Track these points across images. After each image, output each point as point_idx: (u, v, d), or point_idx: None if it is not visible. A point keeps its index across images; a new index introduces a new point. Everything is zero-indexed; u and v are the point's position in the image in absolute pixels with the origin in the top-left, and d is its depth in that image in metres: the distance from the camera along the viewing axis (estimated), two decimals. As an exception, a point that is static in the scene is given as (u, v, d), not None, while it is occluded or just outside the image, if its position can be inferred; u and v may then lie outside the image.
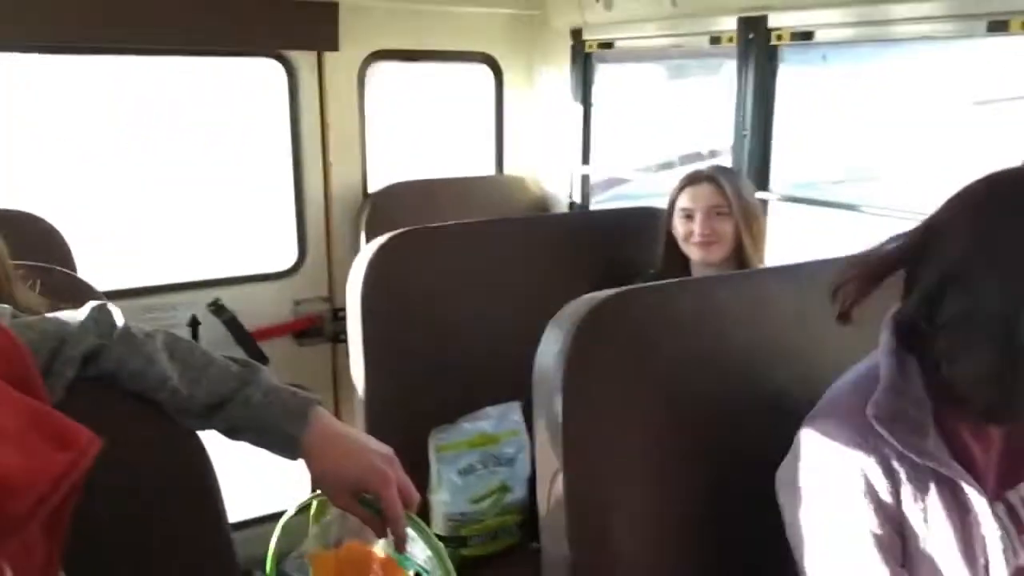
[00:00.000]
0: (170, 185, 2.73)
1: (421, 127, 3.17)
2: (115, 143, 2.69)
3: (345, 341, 2.14)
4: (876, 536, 1.06)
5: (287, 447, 1.02)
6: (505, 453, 2.05)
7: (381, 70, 2.92)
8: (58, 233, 2.23)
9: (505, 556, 2.05)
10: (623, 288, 1.37)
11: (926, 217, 1.08)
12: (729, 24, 2.27)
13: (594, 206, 3.09)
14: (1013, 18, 1.66)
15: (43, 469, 0.82)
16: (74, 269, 2.23)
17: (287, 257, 2.85)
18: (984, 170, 1.10)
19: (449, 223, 2.16)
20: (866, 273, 1.12)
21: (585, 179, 3.02)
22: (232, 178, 2.86)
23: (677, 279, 1.66)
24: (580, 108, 2.95)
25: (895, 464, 1.05)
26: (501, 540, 2.04)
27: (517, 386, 2.03)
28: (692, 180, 2.06)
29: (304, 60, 2.74)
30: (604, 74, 3.03)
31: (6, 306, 1.00)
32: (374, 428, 2.02)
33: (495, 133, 3.18)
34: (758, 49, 2.20)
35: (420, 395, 2.02)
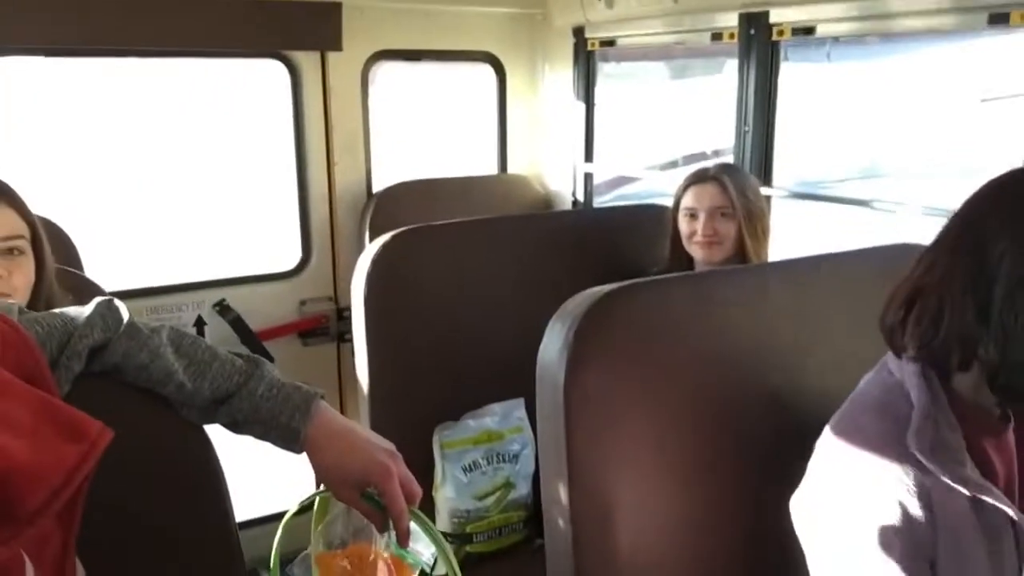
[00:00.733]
0: (176, 186, 2.74)
1: (424, 126, 3.18)
2: (120, 145, 2.70)
3: (350, 340, 2.15)
4: (908, 570, 1.02)
5: (290, 441, 1.03)
6: (509, 450, 2.05)
7: (384, 70, 2.93)
8: (65, 235, 2.24)
9: (510, 553, 2.05)
10: (625, 283, 1.38)
11: (945, 237, 1.09)
12: (730, 20, 2.27)
13: (599, 205, 3.10)
14: (1014, 11, 1.66)
15: (55, 462, 0.83)
16: (82, 271, 2.25)
17: (292, 257, 2.86)
18: (989, 167, 1.12)
19: (452, 221, 2.16)
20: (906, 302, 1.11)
21: (588, 177, 3.02)
22: (237, 179, 2.87)
23: (678, 273, 1.66)
24: (583, 106, 2.96)
25: (933, 495, 1.02)
26: (506, 537, 2.04)
27: (521, 383, 2.03)
28: (697, 179, 2.06)
29: (307, 60, 2.75)
30: (607, 73, 3.04)
31: (13, 302, 1.01)
32: (379, 425, 2.03)
33: (498, 132, 3.19)
34: (759, 45, 2.21)
35: (424, 392, 2.03)
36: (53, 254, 2.04)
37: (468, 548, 1.98)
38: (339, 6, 2.66)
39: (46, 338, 0.97)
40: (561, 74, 3.01)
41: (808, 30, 2.12)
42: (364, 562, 1.04)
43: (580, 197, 3.04)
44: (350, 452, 1.03)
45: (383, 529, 1.04)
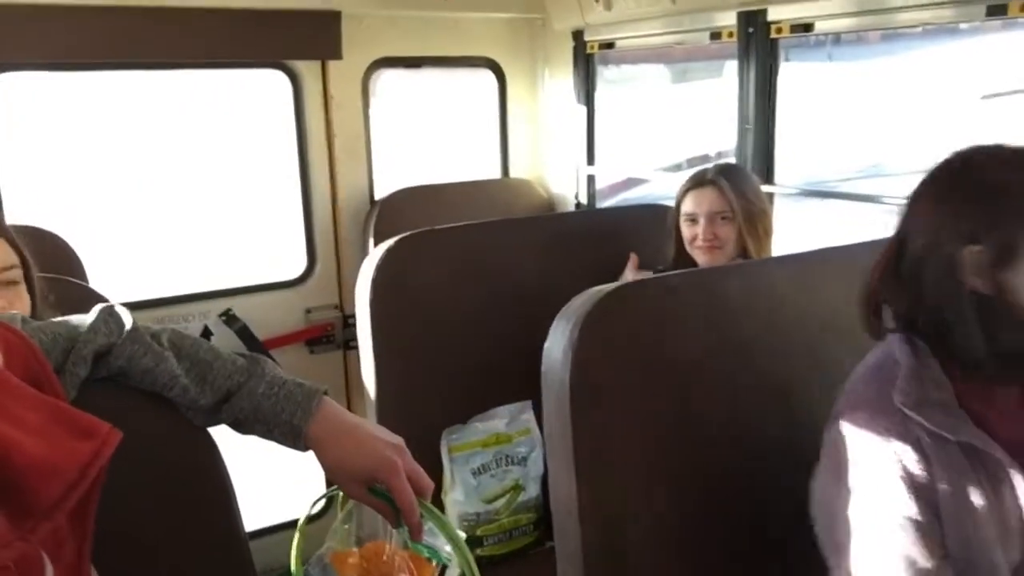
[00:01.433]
0: (181, 198, 2.75)
1: (426, 132, 3.19)
2: (127, 158, 2.72)
3: (356, 348, 2.15)
4: (917, 523, 1.07)
5: (293, 438, 1.03)
6: (518, 452, 2.05)
7: (385, 77, 2.94)
8: (70, 248, 2.25)
9: (520, 555, 2.05)
10: (629, 281, 1.38)
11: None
12: (728, 19, 2.27)
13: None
14: (1012, 1, 1.66)
15: (69, 457, 0.84)
16: (86, 283, 2.25)
17: (297, 266, 2.87)
18: None
19: (455, 225, 2.17)
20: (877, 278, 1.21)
21: (591, 179, 3.02)
22: (241, 189, 2.89)
23: (681, 271, 1.66)
24: (584, 109, 2.96)
25: (927, 447, 1.08)
26: (516, 539, 2.04)
27: (528, 385, 2.03)
28: (695, 184, 2.06)
29: (308, 69, 2.76)
30: (608, 78, 3.04)
31: (16, 312, 1.02)
32: (385, 424, 2.03)
33: (499, 136, 3.20)
34: (758, 42, 2.21)
35: (432, 396, 2.03)
36: (57, 267, 2.06)
37: (478, 551, 1.98)
38: (338, 15, 2.68)
39: (51, 345, 0.97)
40: (561, 78, 3.02)
41: (806, 27, 2.13)
42: (380, 558, 1.04)
43: (583, 199, 3.04)
44: (355, 448, 1.03)
45: (396, 524, 1.03)
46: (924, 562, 1.06)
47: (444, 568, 1.08)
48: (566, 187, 3.10)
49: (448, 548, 1.06)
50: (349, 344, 2.91)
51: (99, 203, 2.75)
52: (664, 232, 2.14)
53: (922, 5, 1.86)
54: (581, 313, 1.33)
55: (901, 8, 1.92)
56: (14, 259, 1.51)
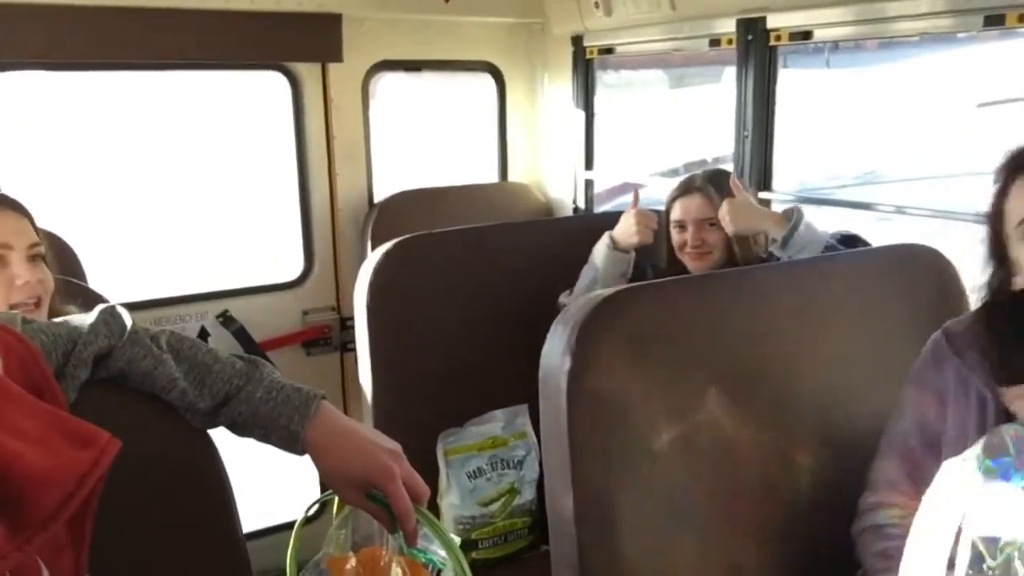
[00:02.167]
0: (179, 198, 2.76)
1: (425, 135, 3.19)
2: (124, 158, 2.72)
3: (353, 350, 2.16)
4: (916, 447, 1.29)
5: (290, 443, 1.03)
6: (513, 456, 2.05)
7: (385, 80, 2.95)
8: (70, 248, 2.26)
9: (515, 559, 2.05)
10: (625, 286, 1.39)
11: None
12: (728, 26, 2.28)
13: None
14: (1009, 12, 1.67)
15: (68, 466, 0.84)
16: (85, 281, 2.26)
17: (294, 268, 2.87)
18: (987, 170, 1.24)
19: (453, 228, 2.18)
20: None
21: (589, 184, 3.03)
22: (239, 190, 2.89)
23: (678, 276, 1.67)
24: (582, 114, 2.97)
25: (950, 392, 1.25)
26: (511, 543, 2.04)
27: (525, 389, 2.03)
28: (683, 191, 2.07)
29: (308, 72, 2.77)
30: (607, 83, 3.05)
31: (15, 312, 1.02)
32: (381, 423, 2.04)
33: (498, 140, 3.20)
34: (757, 50, 2.22)
35: (428, 400, 2.03)
36: (58, 267, 2.06)
37: (474, 555, 1.98)
38: (339, 18, 2.68)
39: (51, 347, 0.98)
40: (560, 82, 3.03)
41: (805, 34, 2.14)
42: (376, 564, 1.04)
43: (581, 204, 3.05)
44: (351, 453, 1.03)
45: (392, 530, 1.04)
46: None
47: (439, 573, 1.09)
48: (564, 191, 3.11)
49: (443, 553, 1.07)
50: (346, 346, 2.91)
51: (98, 203, 2.75)
52: (659, 235, 2.15)
53: (920, 15, 1.87)
54: (579, 318, 1.33)
55: (900, 17, 1.93)
56: (37, 236, 1.54)
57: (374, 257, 2.07)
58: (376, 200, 2.92)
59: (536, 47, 3.12)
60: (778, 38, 2.19)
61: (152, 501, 1.04)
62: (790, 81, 2.32)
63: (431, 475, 1.97)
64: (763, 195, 2.22)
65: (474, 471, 2.01)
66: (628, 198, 2.18)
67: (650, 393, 1.33)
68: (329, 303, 2.91)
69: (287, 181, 2.82)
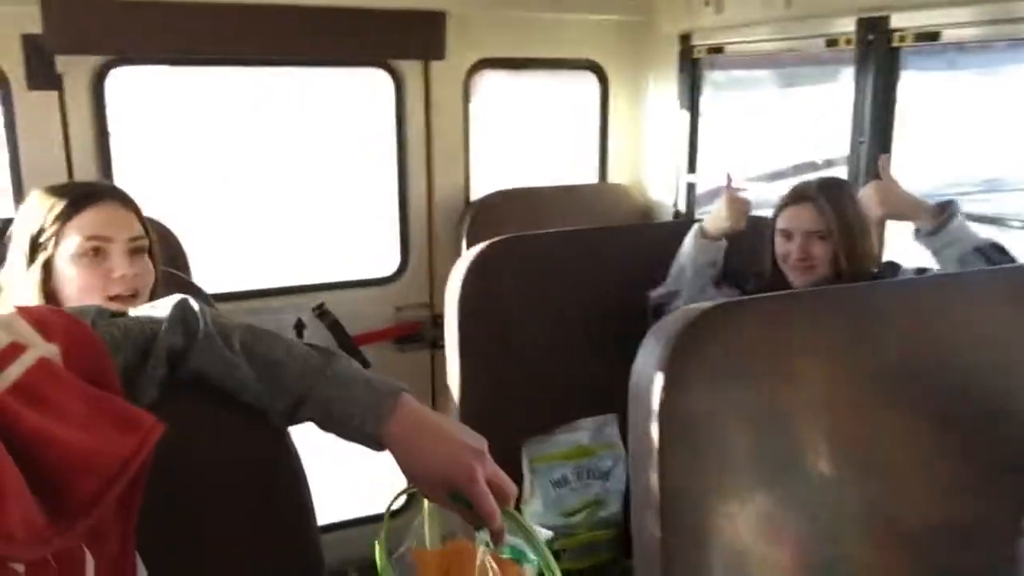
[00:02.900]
0: (281, 192, 2.81)
1: (525, 134, 3.16)
2: (231, 151, 2.79)
3: (444, 348, 2.15)
4: None
5: (368, 440, 1.01)
6: (600, 466, 2.00)
7: (486, 78, 2.93)
8: (174, 237, 2.32)
9: (597, 572, 2.00)
10: (724, 300, 1.31)
11: None
12: (847, 25, 2.16)
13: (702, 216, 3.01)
14: None
15: (110, 451, 0.84)
16: (188, 272, 2.32)
17: (390, 263, 2.89)
18: None
19: (549, 231, 2.13)
20: None
21: (691, 188, 2.94)
22: (340, 185, 2.93)
23: (779, 292, 1.58)
24: (687, 115, 2.88)
25: None
26: (594, 555, 2.00)
27: (615, 399, 1.96)
28: (793, 199, 1.96)
29: (411, 69, 2.77)
30: (714, 80, 2.95)
31: (94, 305, 1.03)
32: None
33: (599, 140, 3.14)
34: (878, 51, 2.09)
35: (515, 404, 2.00)
36: (161, 255, 2.12)
37: (555, 566, 1.94)
38: (443, 16, 2.68)
39: (121, 340, 0.98)
40: (665, 82, 2.94)
41: (932, 35, 2.00)
42: (464, 558, 0.99)
43: (682, 207, 2.95)
44: (432, 451, 0.99)
45: (477, 528, 1.00)
46: None
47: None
48: (665, 194, 3.02)
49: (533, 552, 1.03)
50: (437, 343, 2.91)
51: (203, 194, 2.83)
52: (761, 243, 2.05)
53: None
54: (674, 332, 1.26)
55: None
56: (141, 229, 1.57)
57: (468, 257, 2.05)
58: (473, 198, 2.91)
59: (642, 46, 3.04)
60: (902, 39, 2.05)
61: (226, 499, 1.04)
62: (910, 82, 2.17)
63: (514, 481, 1.94)
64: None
65: (559, 480, 1.97)
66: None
67: (749, 415, 1.26)
68: (422, 300, 2.91)
69: (387, 178, 2.84)
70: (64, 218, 1.50)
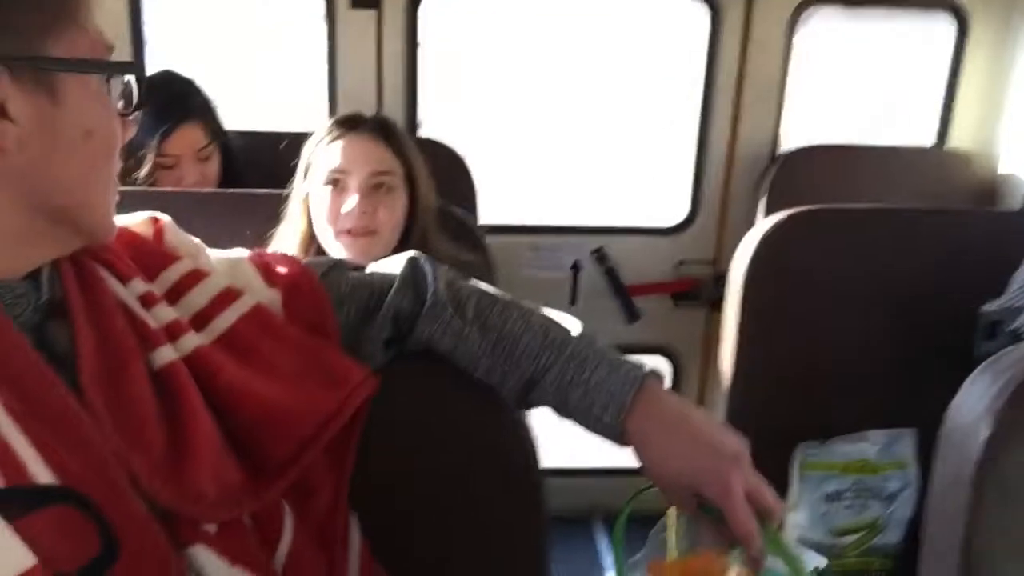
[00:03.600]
0: (571, 126, 2.73)
1: (851, 86, 2.77)
2: (528, 80, 2.74)
3: (722, 310, 1.96)
4: None
5: (608, 431, 0.88)
6: (885, 487, 1.72)
7: (816, 18, 2.57)
8: (465, 165, 2.33)
9: (862, 605, 1.75)
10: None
11: None
12: None
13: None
14: None
15: (309, 410, 0.81)
16: (475, 200, 2.32)
17: (676, 214, 2.70)
18: None
19: (864, 205, 1.82)
20: None
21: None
22: (634, 124, 2.78)
23: None
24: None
25: None
26: (860, 585, 1.74)
27: (913, 411, 1.70)
28: None
29: (731, 1, 2.50)
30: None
31: (326, 258, 1.00)
32: (733, 422, 1.83)
33: (944, 96, 2.66)
34: None
35: (792, 398, 1.76)
36: (449, 182, 2.11)
37: (812, 587, 1.72)
38: None
39: (347, 295, 0.93)
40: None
41: None
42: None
43: (1047, 189, 2.43)
44: (680, 453, 0.84)
45: (729, 547, 0.85)
46: None
47: None
48: (1021, 169, 2.50)
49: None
50: (716, 304, 2.70)
51: (496, 123, 2.81)
52: None
53: None
54: (1013, 375, 0.99)
55: None
56: (393, 165, 1.55)
57: (765, 223, 1.82)
58: (780, 152, 2.61)
59: (1019, -14, 2.50)
60: None
61: (449, 477, 0.97)
62: None
63: (779, 486, 1.73)
64: None
65: (832, 494, 1.72)
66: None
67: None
68: (707, 256, 2.70)
69: (685, 120, 2.63)
70: (320, 148, 1.53)
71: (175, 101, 1.91)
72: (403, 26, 2.42)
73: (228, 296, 0.85)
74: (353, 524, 0.89)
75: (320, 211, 1.52)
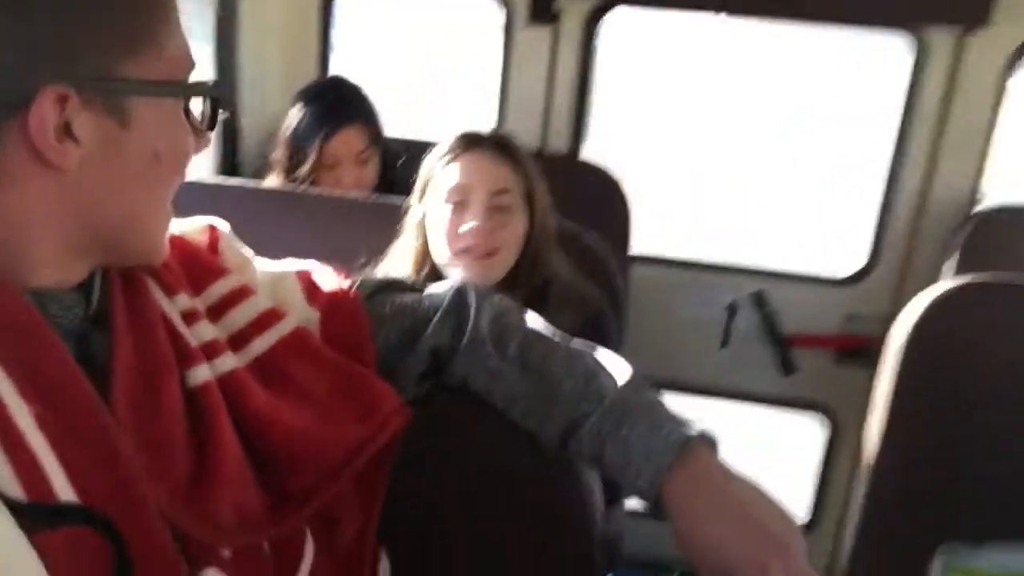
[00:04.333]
0: (742, 161, 2.58)
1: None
2: (703, 106, 2.63)
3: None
4: None
5: (643, 495, 0.79)
6: (1048, 611, 1.48)
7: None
8: (621, 190, 2.26)
9: None
10: None
11: None
12: None
13: None
14: None
15: (337, 441, 0.79)
16: (628, 227, 2.25)
17: (850, 264, 2.48)
18: None
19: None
20: None
21: None
22: (811, 164, 2.58)
23: None
24: None
25: None
26: None
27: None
28: None
29: (939, 38, 2.26)
30: None
31: (374, 279, 0.97)
32: (870, 503, 1.63)
33: None
34: None
35: (940, 491, 1.55)
36: (600, 204, 2.04)
37: None
38: None
39: (389, 319, 0.90)
40: None
41: None
42: None
43: None
44: (718, 531, 0.75)
45: None
46: None
47: None
48: None
49: None
50: (888, 370, 2.45)
51: (665, 149, 2.72)
52: None
53: None
54: None
55: None
56: (511, 182, 1.50)
57: (940, 286, 1.62)
58: (979, 208, 2.33)
59: None
60: None
61: (492, 523, 0.91)
62: None
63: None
64: None
65: (980, 607, 1.50)
66: None
67: None
68: (880, 313, 2.46)
69: (872, 163, 2.41)
70: (439, 165, 1.50)
71: (340, 105, 1.98)
72: (579, 43, 2.39)
73: (269, 318, 0.84)
74: (383, 559, 0.86)
75: (438, 230, 1.50)
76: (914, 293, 2.07)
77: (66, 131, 0.64)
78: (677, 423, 0.80)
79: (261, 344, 0.82)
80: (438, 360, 0.90)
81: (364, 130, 2.00)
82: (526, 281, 1.52)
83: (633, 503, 1.75)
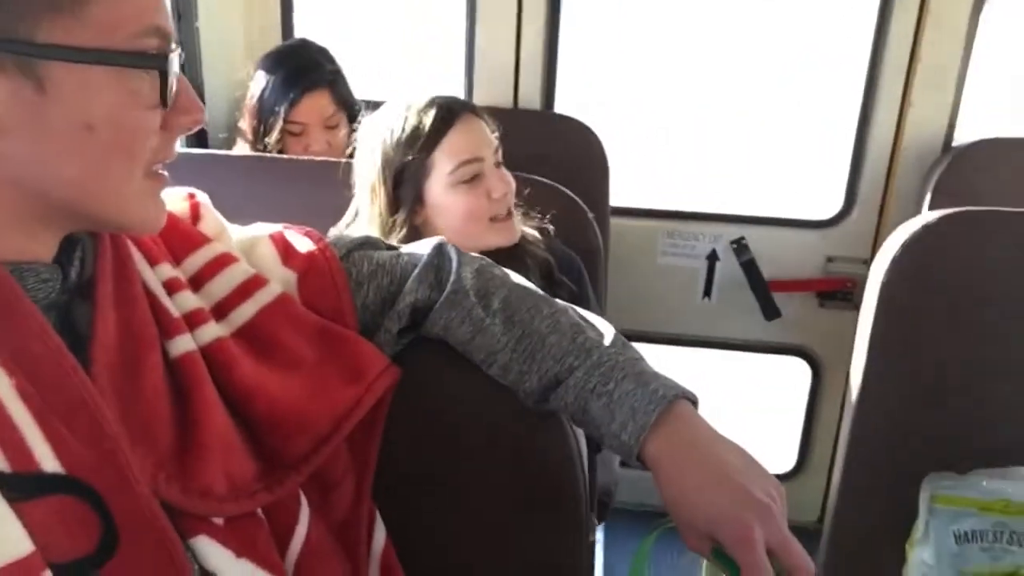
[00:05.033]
0: (714, 107, 2.57)
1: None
2: (675, 57, 2.61)
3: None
4: None
5: (625, 451, 0.79)
6: (1031, 534, 1.50)
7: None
8: (599, 142, 2.25)
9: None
10: None
11: None
12: None
13: None
14: None
15: (326, 408, 0.78)
16: (606, 179, 2.25)
17: (827, 206, 2.48)
18: None
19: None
20: None
21: None
22: (783, 108, 2.58)
23: None
24: None
25: None
26: (993, 640, 1.53)
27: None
28: None
29: None
30: None
31: (349, 236, 0.95)
32: (858, 438, 1.65)
33: None
34: None
35: (926, 421, 1.57)
36: (580, 158, 2.03)
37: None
38: None
39: (367, 277, 0.88)
40: None
41: None
42: None
43: None
44: (700, 487, 0.76)
45: None
46: None
47: None
48: None
49: None
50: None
51: (637, 102, 2.70)
52: None
53: None
54: None
55: None
56: (495, 141, 1.49)
57: (916, 222, 1.62)
58: (954, 145, 2.33)
59: None
60: None
61: (476, 472, 0.91)
62: None
63: (902, 518, 1.54)
64: None
65: (966, 533, 1.52)
66: None
67: None
68: (861, 255, 2.47)
69: (845, 104, 2.40)
70: (431, 145, 1.41)
71: (305, 69, 1.94)
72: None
73: (252, 285, 0.83)
74: (378, 520, 0.86)
75: (452, 210, 1.43)
76: (892, 230, 2.08)
77: None
78: (663, 381, 0.80)
79: (245, 312, 0.81)
80: (417, 317, 0.89)
81: (330, 95, 1.97)
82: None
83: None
